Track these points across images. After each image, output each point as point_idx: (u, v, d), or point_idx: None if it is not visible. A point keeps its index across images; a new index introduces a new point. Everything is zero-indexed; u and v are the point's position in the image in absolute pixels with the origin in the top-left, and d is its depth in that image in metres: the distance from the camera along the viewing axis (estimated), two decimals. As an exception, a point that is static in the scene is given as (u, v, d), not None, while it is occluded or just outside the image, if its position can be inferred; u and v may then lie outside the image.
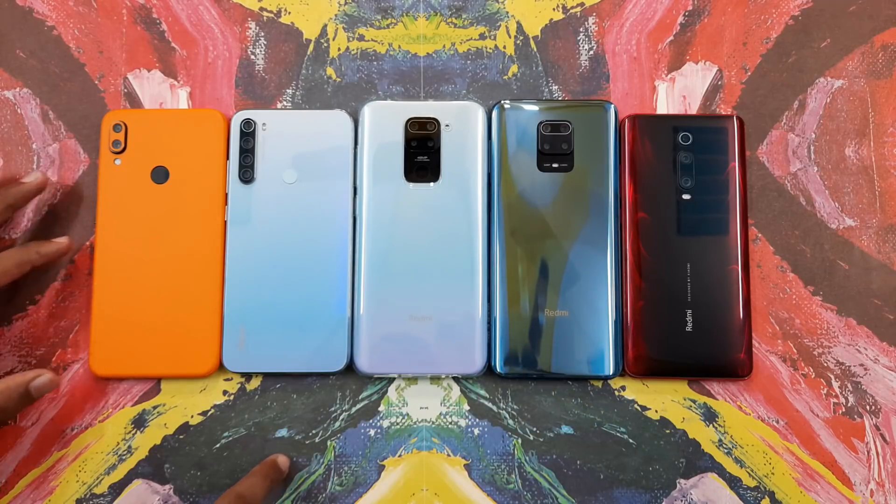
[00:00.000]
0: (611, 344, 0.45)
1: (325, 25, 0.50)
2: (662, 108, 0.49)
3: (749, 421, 0.47)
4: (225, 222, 0.47)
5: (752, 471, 0.46)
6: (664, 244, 0.46)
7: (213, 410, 0.47)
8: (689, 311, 0.45)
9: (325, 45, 0.50)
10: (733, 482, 0.46)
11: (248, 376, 0.47)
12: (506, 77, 0.50)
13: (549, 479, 0.46)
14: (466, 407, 0.47)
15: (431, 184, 0.47)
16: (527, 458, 0.46)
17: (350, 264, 0.46)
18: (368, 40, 0.50)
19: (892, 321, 0.47)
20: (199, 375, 0.46)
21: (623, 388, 0.47)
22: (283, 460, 0.45)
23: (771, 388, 0.47)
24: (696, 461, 0.46)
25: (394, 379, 0.47)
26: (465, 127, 0.47)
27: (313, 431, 0.46)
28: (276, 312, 0.46)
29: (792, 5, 0.50)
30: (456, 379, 0.47)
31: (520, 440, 0.46)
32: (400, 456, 0.46)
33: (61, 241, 0.46)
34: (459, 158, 0.47)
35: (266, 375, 0.47)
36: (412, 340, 0.45)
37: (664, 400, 0.47)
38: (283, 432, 0.46)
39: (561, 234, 0.46)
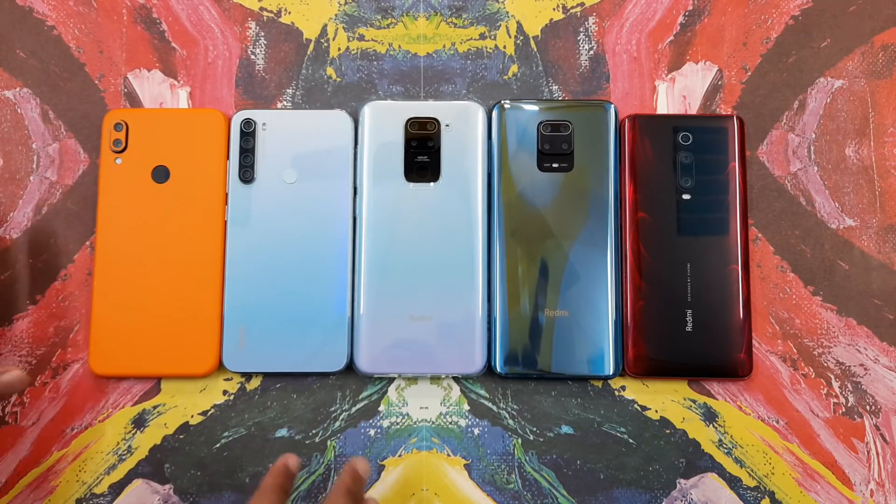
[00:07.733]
0: (611, 344, 0.45)
1: (325, 25, 0.50)
2: (662, 108, 0.49)
3: (749, 421, 0.47)
4: (225, 222, 0.47)
5: (752, 471, 0.46)
6: (664, 244, 0.46)
7: (213, 410, 0.47)
8: (689, 311, 0.45)
9: (326, 44, 0.50)
10: (733, 482, 0.46)
11: (248, 376, 0.47)
12: (506, 77, 0.50)
13: (549, 479, 0.46)
14: (466, 407, 0.47)
15: (431, 184, 0.46)
16: (527, 458, 0.46)
17: (350, 264, 0.46)
18: (368, 40, 0.50)
19: (892, 321, 0.47)
20: (199, 375, 0.46)
21: (623, 388, 0.47)
22: (293, 462, 0.41)
23: (771, 388, 0.47)
24: (696, 461, 0.46)
25: (394, 379, 0.47)
26: (465, 127, 0.47)
27: (313, 431, 0.46)
28: (276, 312, 0.46)
29: (792, 5, 0.50)
30: (456, 379, 0.47)
31: (520, 440, 0.46)
32: (400, 456, 0.46)
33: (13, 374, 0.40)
34: (459, 158, 0.47)
35: (266, 375, 0.47)
36: (412, 340, 0.45)
37: (664, 400, 0.47)
38: (283, 432, 0.46)
39: (561, 234, 0.46)
